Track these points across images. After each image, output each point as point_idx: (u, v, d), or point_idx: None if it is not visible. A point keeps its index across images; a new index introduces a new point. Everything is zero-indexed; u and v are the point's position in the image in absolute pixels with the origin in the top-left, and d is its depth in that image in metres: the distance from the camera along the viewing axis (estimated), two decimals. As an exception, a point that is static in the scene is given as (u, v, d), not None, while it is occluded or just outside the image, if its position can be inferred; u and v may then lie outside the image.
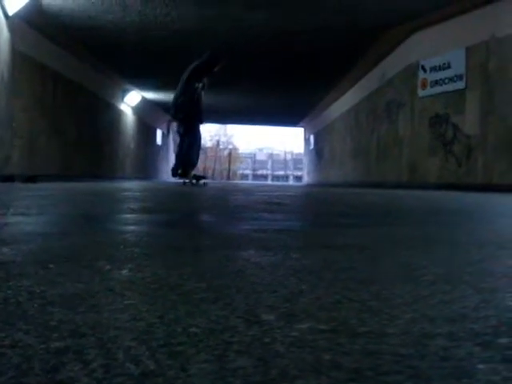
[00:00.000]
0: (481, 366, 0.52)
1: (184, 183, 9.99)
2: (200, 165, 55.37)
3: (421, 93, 11.83)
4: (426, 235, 1.81)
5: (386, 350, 0.56)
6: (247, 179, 54.85)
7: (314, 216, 2.85)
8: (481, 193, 8.46)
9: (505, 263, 1.21)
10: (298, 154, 51.56)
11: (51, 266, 1.07)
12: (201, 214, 2.98)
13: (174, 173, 10.26)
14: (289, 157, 57.10)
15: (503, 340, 0.60)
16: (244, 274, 1.02)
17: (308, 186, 19.21)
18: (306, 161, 30.90)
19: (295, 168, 52.15)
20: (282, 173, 55.28)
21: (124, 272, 1.03)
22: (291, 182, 47.96)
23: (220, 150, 58.24)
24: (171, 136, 31.20)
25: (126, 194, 5.61)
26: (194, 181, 10.16)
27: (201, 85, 10.13)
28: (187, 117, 9.97)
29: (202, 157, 60.04)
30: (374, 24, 11.63)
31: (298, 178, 38.72)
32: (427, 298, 0.81)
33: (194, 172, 10.53)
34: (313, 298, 0.80)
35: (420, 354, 0.55)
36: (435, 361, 0.53)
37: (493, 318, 0.70)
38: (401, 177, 12.43)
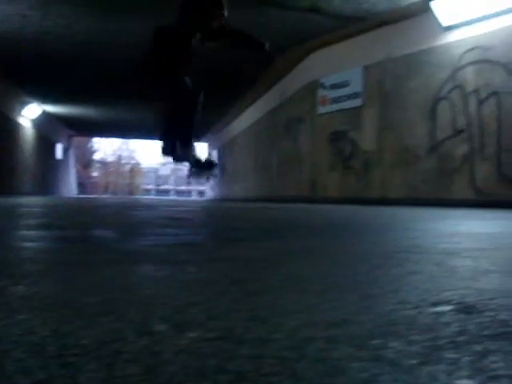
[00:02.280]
0: (353, 365, 0.56)
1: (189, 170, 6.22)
2: (101, 180, 54.44)
3: (320, 110, 12.13)
4: (318, 247, 1.88)
5: (269, 354, 0.60)
6: (150, 194, 54.35)
7: (212, 230, 2.89)
8: (377, 206, 8.76)
9: (390, 271, 1.28)
10: (201, 169, 51.43)
11: None
12: (101, 229, 2.96)
13: (165, 151, 6.35)
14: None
15: (376, 341, 0.65)
16: (139, 287, 1.04)
17: (211, 200, 19.24)
18: (209, 176, 30.86)
19: (198, 183, 52.10)
20: (184, 188, 55.10)
21: (20, 288, 1.02)
22: (194, 196, 47.94)
23: (122, 164, 57.51)
24: (72, 151, 30.56)
25: (25, 209, 5.46)
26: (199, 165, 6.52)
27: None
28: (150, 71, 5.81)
29: (103, 171, 58.57)
30: (275, 43, 11.85)
31: (202, 193, 38.70)
32: (313, 306, 0.86)
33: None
34: (203, 309, 0.83)
35: (300, 356, 0.59)
36: (313, 362, 0.57)
37: (370, 322, 0.75)
38: (302, 191, 12.67)
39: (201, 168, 6.35)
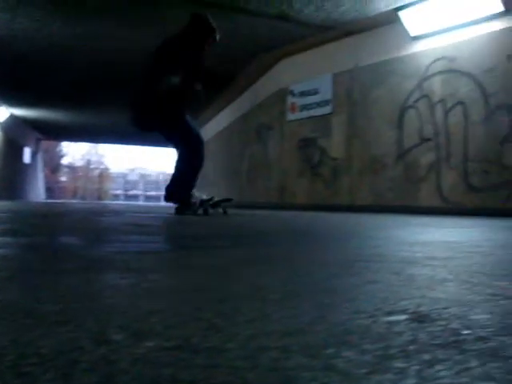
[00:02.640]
0: (304, 374, 0.58)
1: (178, 211, 6.64)
2: (70, 185, 53.92)
3: (290, 117, 12.19)
4: (281, 255, 1.90)
5: (223, 364, 0.61)
6: (119, 199, 53.96)
7: (178, 238, 2.89)
8: (345, 213, 8.82)
9: (347, 280, 1.31)
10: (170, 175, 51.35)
11: None
12: (67, 236, 2.94)
13: (167, 197, 6.73)
14: (161, 177, 56.80)
15: (329, 351, 0.67)
16: (100, 296, 1.04)
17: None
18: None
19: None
20: (154, 193, 54.82)
21: (-20, 296, 1.03)
22: (164, 202, 47.67)
23: (91, 169, 57.07)
24: (40, 155, 30.23)
25: (-11, 215, 5.40)
26: (207, 207, 6.88)
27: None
28: (164, 117, 6.23)
29: (71, 176, 57.99)
30: (246, 49, 11.91)
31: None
32: (270, 315, 0.87)
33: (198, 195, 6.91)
34: (162, 318, 0.84)
35: (252, 365, 0.61)
36: (264, 371, 0.59)
37: (324, 332, 0.77)
38: (271, 198, 12.70)
39: (214, 206, 7.16)
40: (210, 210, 6.88)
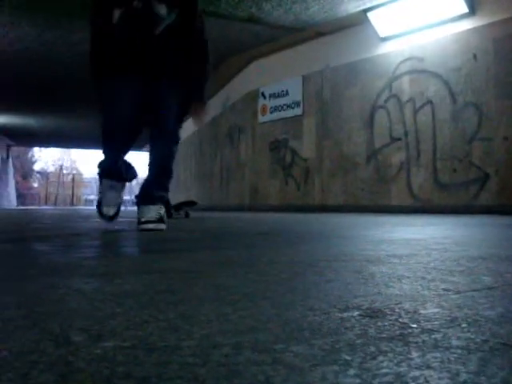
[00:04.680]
0: (252, 368, 0.61)
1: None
2: (42, 191, 53.39)
3: (261, 118, 12.24)
4: (246, 257, 1.94)
5: (176, 361, 0.64)
6: (92, 204, 53.56)
7: (146, 242, 2.91)
8: (317, 213, 8.88)
9: (308, 279, 1.34)
10: (143, 179, 51.15)
11: None
12: (33, 242, 2.94)
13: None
14: (134, 182, 56.49)
15: (278, 346, 0.71)
16: (64, 300, 1.07)
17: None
18: (151, 185, 30.69)
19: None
20: (128, 197, 54.50)
21: None
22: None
23: (63, 174, 56.61)
24: (10, 161, 29.94)
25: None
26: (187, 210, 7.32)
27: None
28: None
29: (43, 182, 57.12)
30: (216, 52, 11.92)
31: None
32: (227, 315, 0.90)
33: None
34: (123, 320, 0.87)
35: (204, 361, 0.64)
36: (214, 366, 0.62)
37: (277, 329, 0.80)
38: (243, 199, 12.73)
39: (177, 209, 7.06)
40: (175, 214, 6.85)
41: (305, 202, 10.94)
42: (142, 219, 3.76)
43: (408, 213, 8.27)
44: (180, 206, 7.40)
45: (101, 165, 4.09)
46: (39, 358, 0.66)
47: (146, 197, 3.95)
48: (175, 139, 4.10)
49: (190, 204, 7.90)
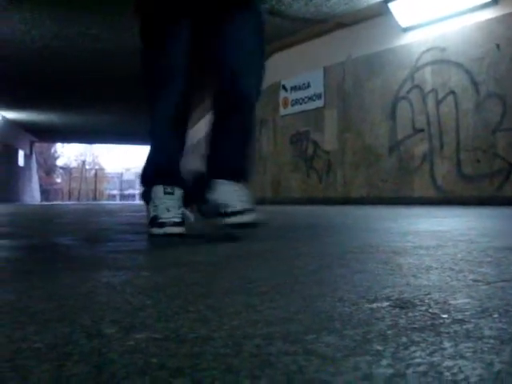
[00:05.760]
0: (284, 358, 0.61)
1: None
2: (65, 186, 53.88)
3: (282, 111, 12.20)
4: (272, 250, 1.94)
5: (208, 351, 0.65)
6: (115, 199, 53.96)
7: (169, 236, 2.92)
8: (340, 206, 8.86)
9: (336, 271, 1.34)
10: (165, 173, 51.36)
11: None
12: (61, 237, 2.97)
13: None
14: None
15: (310, 337, 0.71)
16: (93, 293, 1.08)
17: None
18: (173, 179, 30.83)
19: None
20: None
21: (-23, 297, 1.06)
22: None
23: (86, 170, 57.01)
24: (34, 157, 30.23)
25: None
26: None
27: None
28: None
29: (66, 177, 57.66)
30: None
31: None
32: (255, 306, 0.91)
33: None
34: (153, 312, 0.88)
35: (236, 352, 0.64)
36: (247, 357, 0.62)
37: (307, 320, 0.80)
38: (265, 193, 12.72)
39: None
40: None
41: (327, 195, 10.91)
42: (228, 209, 2.38)
43: (431, 204, 8.21)
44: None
45: (152, 166, 2.65)
46: (72, 349, 0.67)
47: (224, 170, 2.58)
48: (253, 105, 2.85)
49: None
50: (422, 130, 9.17)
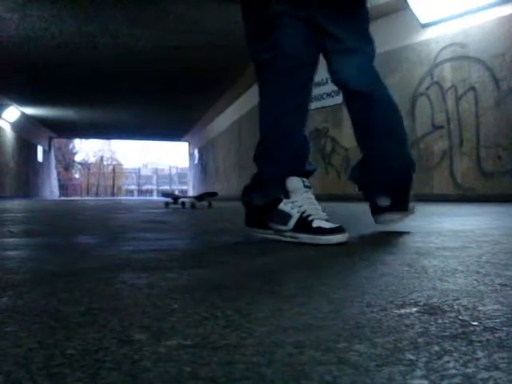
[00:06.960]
0: (318, 368, 0.61)
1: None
2: (83, 182, 54.21)
3: (300, 108, 12.10)
4: (295, 248, 1.93)
5: (240, 360, 0.65)
6: (133, 195, 54.18)
7: (193, 234, 2.92)
8: (359, 203, 8.82)
9: (360, 273, 1.33)
10: (182, 169, 51.63)
11: None
12: (83, 235, 2.98)
13: None
14: (174, 171, 56.91)
15: (341, 345, 0.70)
16: (120, 296, 1.08)
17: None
18: (191, 175, 30.96)
19: (180, 182, 52.11)
20: (167, 187, 54.92)
21: (4, 300, 1.06)
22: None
23: (104, 165, 57.29)
24: (52, 153, 30.39)
25: (6, 215, 5.47)
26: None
27: None
28: None
29: (85, 173, 57.95)
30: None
31: (183, 193, 38.71)
32: (284, 311, 0.90)
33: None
34: (182, 317, 0.88)
35: (268, 361, 0.64)
36: (280, 366, 0.62)
37: (337, 326, 0.80)
38: (284, 189, 12.64)
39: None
40: (197, 203, 7.33)
41: (345, 192, 10.87)
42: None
43: (451, 202, 8.16)
44: (202, 197, 7.90)
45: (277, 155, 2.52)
46: (104, 356, 0.67)
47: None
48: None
49: (212, 195, 8.29)
50: (441, 127, 9.11)
